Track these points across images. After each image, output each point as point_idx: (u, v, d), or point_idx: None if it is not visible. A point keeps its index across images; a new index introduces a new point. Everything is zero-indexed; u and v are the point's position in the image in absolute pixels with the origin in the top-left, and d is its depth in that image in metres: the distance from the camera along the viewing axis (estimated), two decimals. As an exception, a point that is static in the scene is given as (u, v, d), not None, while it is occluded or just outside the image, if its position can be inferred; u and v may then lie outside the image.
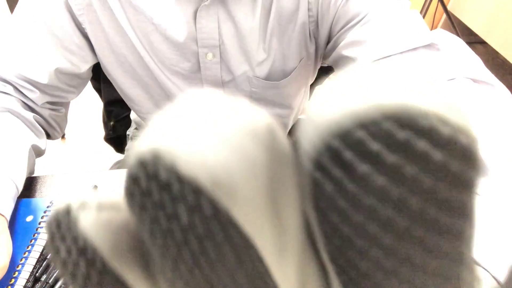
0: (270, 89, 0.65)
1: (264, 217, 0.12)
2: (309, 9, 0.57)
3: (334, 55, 0.60)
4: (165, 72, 0.61)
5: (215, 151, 0.11)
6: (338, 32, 0.58)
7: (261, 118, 0.12)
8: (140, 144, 0.12)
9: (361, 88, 0.11)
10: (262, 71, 0.62)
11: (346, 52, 0.57)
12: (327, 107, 0.11)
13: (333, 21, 0.57)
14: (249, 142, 0.11)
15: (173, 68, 0.61)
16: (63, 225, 0.14)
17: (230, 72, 0.62)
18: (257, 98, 0.66)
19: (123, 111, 0.95)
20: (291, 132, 0.87)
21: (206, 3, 0.53)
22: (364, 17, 0.54)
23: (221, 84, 0.63)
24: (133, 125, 0.93)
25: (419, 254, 0.12)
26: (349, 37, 0.56)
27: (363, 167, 0.11)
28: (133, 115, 0.88)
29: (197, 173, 0.11)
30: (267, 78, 0.63)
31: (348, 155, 0.11)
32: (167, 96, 0.66)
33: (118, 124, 0.96)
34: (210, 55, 0.59)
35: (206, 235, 0.11)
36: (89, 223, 0.14)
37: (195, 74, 0.62)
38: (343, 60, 0.58)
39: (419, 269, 0.12)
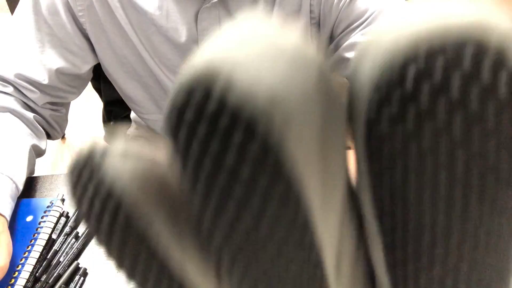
0: None
1: (314, 158, 0.11)
2: (311, 11, 0.57)
3: (335, 57, 0.60)
4: (166, 72, 0.61)
5: (275, 70, 0.10)
6: (339, 34, 0.57)
7: (313, 51, 0.11)
8: (195, 59, 0.11)
9: (425, 10, 0.10)
10: None
11: (348, 54, 0.57)
12: (392, 29, 0.11)
13: (335, 23, 0.57)
14: (306, 70, 0.11)
15: (174, 69, 0.61)
16: (86, 170, 0.13)
17: None
18: None
19: (123, 111, 0.95)
20: None
21: (207, 5, 0.53)
22: (366, 19, 0.54)
23: None
24: (133, 125, 0.93)
25: (475, 205, 0.11)
26: (351, 39, 0.55)
27: (425, 98, 0.10)
28: (133, 115, 0.88)
29: (256, 87, 0.10)
30: None
31: (408, 85, 0.10)
32: (168, 96, 0.66)
33: (118, 124, 0.96)
34: None
35: (254, 176, 0.11)
36: (114, 167, 0.13)
37: None
38: (345, 62, 0.58)
39: (473, 228, 0.11)
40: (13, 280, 0.45)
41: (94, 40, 0.60)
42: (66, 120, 0.71)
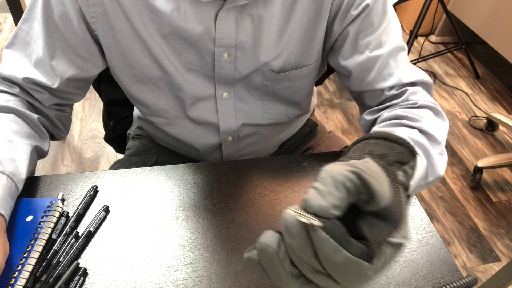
0: (281, 81, 0.66)
1: None
2: (331, 9, 0.59)
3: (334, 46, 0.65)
4: (181, 70, 0.62)
5: None
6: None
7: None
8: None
9: None
10: (277, 64, 0.63)
11: (340, 43, 0.62)
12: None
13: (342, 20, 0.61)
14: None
15: (190, 67, 0.62)
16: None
17: (242, 71, 0.63)
18: (268, 92, 0.68)
19: (123, 111, 0.95)
20: (298, 133, 0.88)
21: (228, 6, 0.54)
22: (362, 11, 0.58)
23: (232, 81, 0.64)
24: (134, 124, 0.93)
25: None
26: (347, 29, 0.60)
27: None
28: (136, 113, 0.87)
29: None
30: (281, 71, 0.65)
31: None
32: (177, 95, 0.66)
33: (118, 124, 0.96)
34: (225, 55, 0.60)
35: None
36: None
37: (209, 72, 0.63)
38: (338, 50, 0.64)
39: None
40: (13, 280, 0.45)
41: (105, 46, 0.60)
42: (70, 120, 0.72)
